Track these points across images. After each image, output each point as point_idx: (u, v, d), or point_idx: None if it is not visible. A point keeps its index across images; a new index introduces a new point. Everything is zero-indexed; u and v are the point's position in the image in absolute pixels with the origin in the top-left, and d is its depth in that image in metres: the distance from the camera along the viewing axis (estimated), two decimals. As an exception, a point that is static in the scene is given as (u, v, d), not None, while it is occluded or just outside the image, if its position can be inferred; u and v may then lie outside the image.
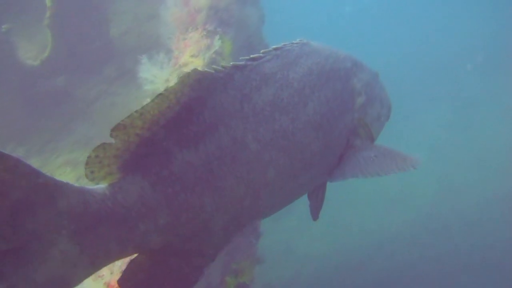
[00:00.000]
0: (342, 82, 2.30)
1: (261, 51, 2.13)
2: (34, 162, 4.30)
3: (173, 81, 3.36)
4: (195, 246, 1.97)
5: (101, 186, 1.76)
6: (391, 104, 2.76)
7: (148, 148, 1.78)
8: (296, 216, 10.25)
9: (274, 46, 2.18)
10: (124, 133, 1.73)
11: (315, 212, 2.51)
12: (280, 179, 2.07)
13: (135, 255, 1.90)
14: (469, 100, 14.02)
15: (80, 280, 1.72)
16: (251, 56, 2.06)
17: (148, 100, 3.15)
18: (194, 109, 1.84)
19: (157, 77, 3.34)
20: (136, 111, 1.74)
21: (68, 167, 4.50)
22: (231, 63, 2.00)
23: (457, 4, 22.16)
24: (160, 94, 1.76)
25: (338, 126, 2.25)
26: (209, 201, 1.90)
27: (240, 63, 2.01)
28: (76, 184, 1.70)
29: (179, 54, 3.57)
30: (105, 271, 2.43)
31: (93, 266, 1.74)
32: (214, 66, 1.92)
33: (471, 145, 12.06)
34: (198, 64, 3.43)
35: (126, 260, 1.93)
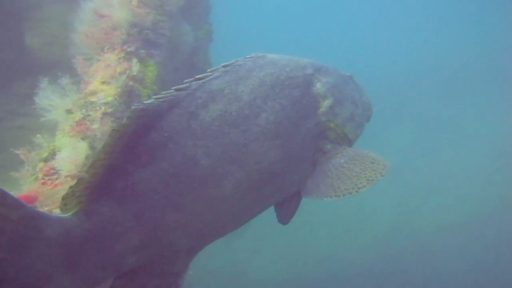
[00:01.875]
0: (301, 88, 2.33)
1: (208, 70, 2.22)
2: None
3: (76, 113, 2.78)
4: (165, 265, 2.07)
5: (75, 213, 1.88)
6: (371, 104, 2.77)
7: (111, 173, 1.92)
8: (250, 236, 9.85)
9: (223, 63, 2.27)
10: (92, 166, 1.89)
11: (285, 218, 2.56)
12: (238, 192, 2.11)
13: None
14: (431, 123, 14.01)
15: None
16: (196, 76, 2.16)
17: (39, 135, 2.49)
18: (142, 133, 1.98)
19: (56, 107, 2.74)
20: (102, 146, 1.92)
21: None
22: (173, 87, 2.10)
23: (421, 26, 22.49)
24: (114, 129, 1.92)
25: (299, 132, 2.27)
26: (171, 218, 2.00)
27: (183, 85, 2.11)
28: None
29: (89, 79, 2.97)
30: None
31: None
32: (154, 96, 2.04)
33: (430, 170, 12.01)
34: (110, 93, 2.84)
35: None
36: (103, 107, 2.77)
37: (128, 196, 1.94)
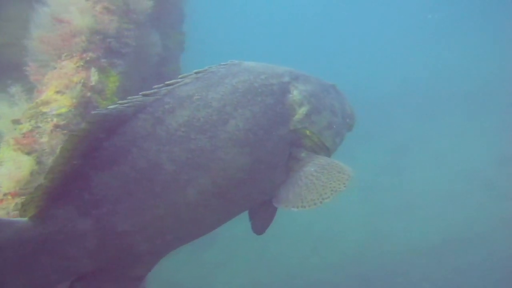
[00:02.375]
0: (276, 96, 2.33)
1: (179, 75, 2.22)
2: None
3: (25, 124, 2.55)
4: (124, 268, 2.06)
5: (30, 217, 1.87)
6: (353, 113, 2.76)
7: (70, 178, 1.90)
8: (218, 248, 9.60)
9: (196, 70, 2.26)
10: (51, 172, 1.87)
11: (260, 227, 2.55)
12: (203, 198, 2.10)
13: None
14: (403, 142, 14.13)
15: None
16: (166, 82, 2.16)
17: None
18: (104, 137, 1.96)
19: (1, 116, 2.51)
20: (60, 151, 1.89)
21: None
22: (140, 93, 2.08)
23: (394, 46, 22.91)
24: (72, 134, 1.90)
25: (271, 139, 2.26)
26: (130, 222, 1.98)
27: (151, 91, 2.10)
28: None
29: (42, 87, 2.75)
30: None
31: None
32: (119, 101, 2.03)
33: (401, 190, 12.02)
34: (64, 104, 2.63)
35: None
36: (55, 119, 2.56)
37: (86, 200, 1.93)
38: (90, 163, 1.94)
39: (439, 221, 10.54)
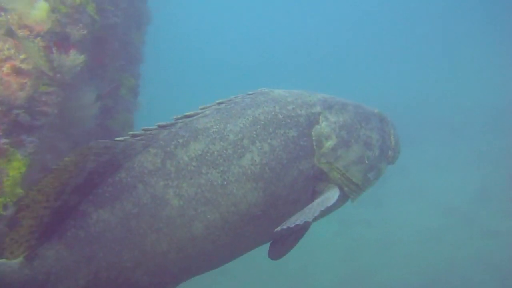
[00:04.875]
0: (301, 128, 2.25)
1: (200, 106, 2.20)
2: None
3: None
4: None
5: (20, 258, 1.84)
6: (397, 145, 2.63)
7: (62, 215, 1.89)
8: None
9: (218, 100, 2.22)
10: (30, 211, 1.82)
11: (277, 254, 2.44)
12: (210, 233, 2.07)
13: None
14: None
15: None
16: (186, 113, 2.17)
17: None
18: (106, 172, 1.96)
19: None
20: (31, 189, 1.83)
21: None
22: (157, 124, 2.11)
23: (372, 74, 22.83)
24: (55, 168, 1.82)
25: (289, 174, 2.18)
26: (128, 257, 1.97)
27: (167, 122, 2.12)
28: None
29: None
30: None
31: None
32: (131, 133, 2.05)
33: (380, 223, 11.63)
34: None
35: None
36: None
37: (80, 238, 1.89)
38: (91, 200, 1.91)
39: (419, 259, 10.15)
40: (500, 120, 15.65)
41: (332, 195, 2.22)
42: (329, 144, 2.29)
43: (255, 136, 2.13)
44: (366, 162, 2.41)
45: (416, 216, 11.62)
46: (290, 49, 26.98)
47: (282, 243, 2.40)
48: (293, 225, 2.05)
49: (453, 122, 16.11)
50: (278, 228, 2.09)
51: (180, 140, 2.05)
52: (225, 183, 2.05)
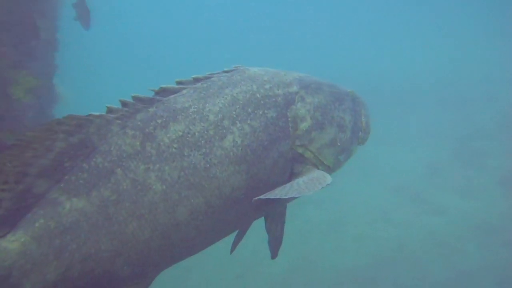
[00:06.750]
0: (279, 108, 2.21)
1: (176, 80, 2.12)
2: None
3: None
4: None
5: None
6: (368, 126, 2.65)
7: (26, 201, 1.73)
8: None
9: (194, 76, 2.16)
10: None
11: (273, 250, 2.50)
12: (194, 218, 2.01)
13: None
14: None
15: None
16: (161, 86, 2.09)
17: None
18: (78, 155, 1.81)
19: None
20: None
21: None
22: (132, 95, 2.01)
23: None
24: (14, 144, 1.66)
25: (270, 156, 2.15)
26: (106, 247, 1.86)
27: (145, 96, 2.03)
28: None
29: None
30: None
31: None
32: (109, 105, 1.90)
33: (330, 205, 11.54)
34: None
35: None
36: None
37: (50, 229, 1.77)
38: (63, 188, 1.79)
39: (369, 240, 10.08)
40: (448, 91, 15.75)
41: (323, 174, 2.16)
42: (303, 126, 2.25)
43: (234, 116, 2.08)
44: (339, 144, 2.39)
45: (366, 196, 11.57)
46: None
47: (274, 234, 2.43)
48: (284, 197, 1.98)
49: (402, 95, 16.06)
50: (262, 196, 2.01)
51: (159, 121, 1.98)
52: (208, 165, 1.99)
